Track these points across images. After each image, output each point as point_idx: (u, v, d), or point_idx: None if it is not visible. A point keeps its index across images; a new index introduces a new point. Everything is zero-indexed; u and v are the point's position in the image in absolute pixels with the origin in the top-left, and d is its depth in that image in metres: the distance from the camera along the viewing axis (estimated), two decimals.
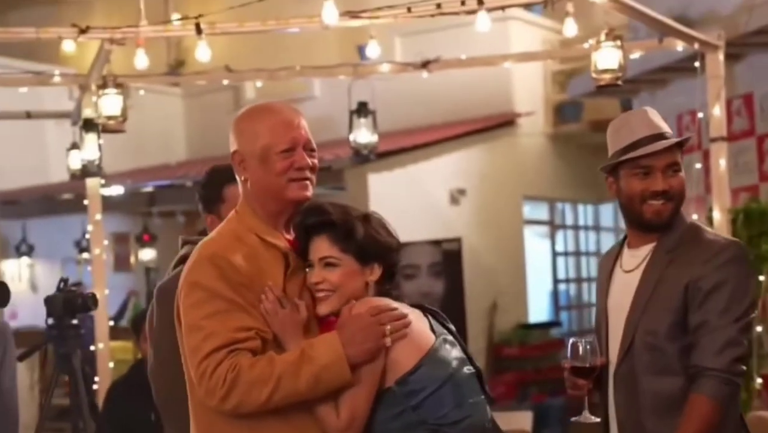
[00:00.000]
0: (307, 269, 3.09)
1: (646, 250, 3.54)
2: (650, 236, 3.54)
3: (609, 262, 3.72)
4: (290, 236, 3.17)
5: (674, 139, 3.51)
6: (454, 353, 3.07)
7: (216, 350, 2.90)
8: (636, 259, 3.57)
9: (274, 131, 3.13)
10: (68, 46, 14.04)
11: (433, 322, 3.12)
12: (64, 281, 5.45)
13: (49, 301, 5.27)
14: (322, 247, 3.05)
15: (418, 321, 3.04)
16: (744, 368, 3.36)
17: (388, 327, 2.91)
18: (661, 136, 3.51)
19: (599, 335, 3.58)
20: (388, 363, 2.95)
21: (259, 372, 2.88)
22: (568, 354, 3.49)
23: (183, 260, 4.03)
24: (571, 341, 3.50)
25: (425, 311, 3.17)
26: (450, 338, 3.11)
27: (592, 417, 3.51)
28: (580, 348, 3.45)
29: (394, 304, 3.01)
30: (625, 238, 3.70)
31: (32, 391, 8.82)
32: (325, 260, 3.04)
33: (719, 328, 3.32)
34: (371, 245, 3.06)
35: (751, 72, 9.91)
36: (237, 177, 3.21)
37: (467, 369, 3.10)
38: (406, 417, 2.96)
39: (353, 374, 2.90)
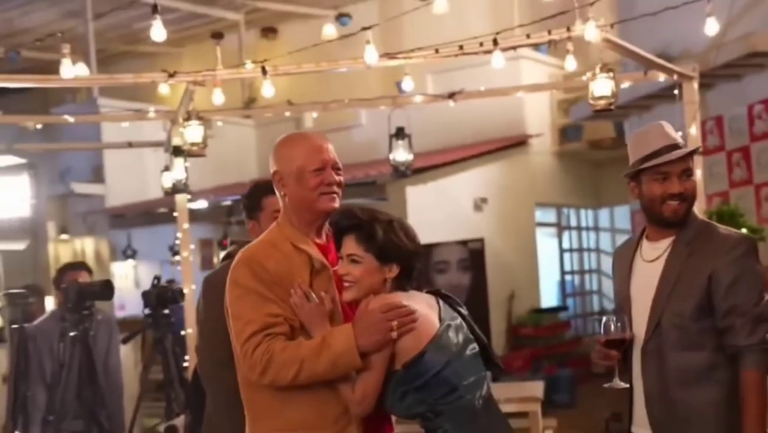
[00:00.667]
0: (339, 263, 3.09)
1: (665, 243, 3.47)
2: (668, 231, 3.46)
3: (628, 253, 3.62)
4: (320, 241, 3.19)
5: (688, 149, 3.47)
6: (457, 338, 3.03)
7: (254, 334, 2.96)
8: (657, 251, 3.48)
9: (307, 155, 3.16)
10: (163, 89, 14.26)
11: (443, 307, 3.09)
12: (157, 278, 5.47)
13: (145, 295, 5.30)
14: (349, 245, 3.05)
15: (427, 312, 3.01)
16: None
17: (395, 323, 2.88)
18: (676, 146, 3.44)
19: (622, 315, 3.47)
20: (396, 350, 2.93)
21: (288, 355, 2.93)
22: (602, 330, 3.42)
23: (227, 256, 4.05)
24: (603, 319, 3.42)
25: (439, 296, 3.15)
26: (455, 323, 3.08)
27: (622, 383, 3.45)
28: (612, 325, 3.39)
29: (405, 300, 2.97)
30: (642, 232, 3.61)
31: (136, 368, 8.84)
32: (351, 256, 3.03)
33: (747, 311, 3.30)
34: (390, 247, 3.03)
35: (720, 98, 9.84)
36: (277, 193, 3.24)
37: (471, 350, 3.07)
38: (410, 396, 2.95)
39: (365, 359, 2.91)
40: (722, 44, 8.93)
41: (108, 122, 13.08)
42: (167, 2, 13.21)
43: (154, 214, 13.66)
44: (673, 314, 3.36)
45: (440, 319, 3.02)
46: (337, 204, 3.17)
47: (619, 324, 3.39)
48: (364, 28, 5.92)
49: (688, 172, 3.45)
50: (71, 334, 4.80)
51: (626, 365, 3.50)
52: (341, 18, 15.93)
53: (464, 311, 3.18)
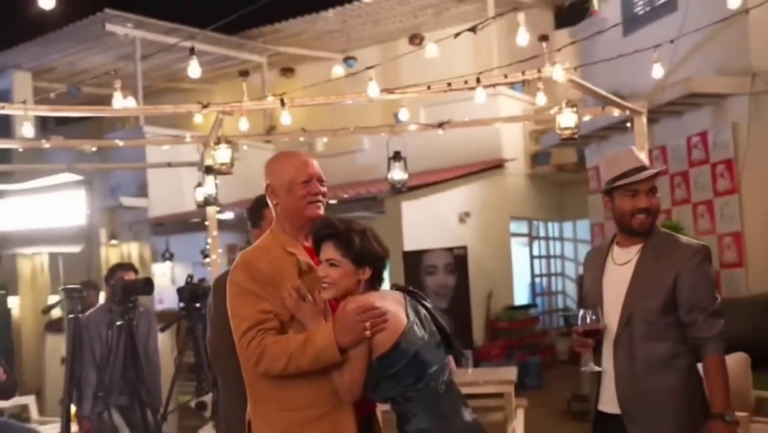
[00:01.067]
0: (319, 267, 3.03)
1: (635, 249, 3.45)
2: (637, 239, 3.45)
3: (600, 256, 3.60)
4: (308, 244, 3.13)
5: (654, 170, 3.46)
6: (423, 331, 2.98)
7: (249, 330, 2.92)
8: (627, 256, 3.47)
9: (296, 169, 3.14)
10: (198, 118, 14.25)
11: (410, 302, 3.04)
12: (190, 277, 5.45)
13: (179, 291, 5.27)
14: (328, 250, 2.98)
15: (396, 309, 2.95)
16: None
17: (368, 323, 2.83)
18: (643, 168, 3.44)
19: (596, 308, 3.43)
20: (372, 344, 2.88)
21: (278, 349, 2.88)
22: (579, 321, 3.40)
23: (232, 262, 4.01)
24: (581, 312, 3.40)
25: (406, 292, 3.10)
26: (421, 316, 3.03)
27: (596, 367, 3.44)
28: (588, 317, 3.37)
29: (377, 300, 2.92)
30: (613, 239, 3.58)
31: (171, 353, 8.80)
32: (329, 261, 2.96)
33: (706, 308, 3.32)
34: (365, 253, 2.97)
35: (664, 131, 9.87)
36: (269, 203, 3.20)
37: (434, 341, 3.02)
38: (384, 384, 2.91)
39: (350, 352, 2.86)
40: (666, 86, 8.96)
41: (151, 146, 13.09)
42: (203, 47, 13.21)
43: (188, 223, 13.64)
44: (643, 310, 3.35)
45: (407, 314, 2.97)
46: (321, 211, 3.15)
47: (593, 316, 3.37)
48: (368, 68, 5.93)
49: (654, 190, 3.46)
50: (118, 323, 4.79)
51: (598, 352, 3.47)
52: (348, 60, 15.95)
53: (429, 304, 3.12)
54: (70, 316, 4.99)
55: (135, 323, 4.86)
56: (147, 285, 4.81)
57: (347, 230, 2.99)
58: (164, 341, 8.05)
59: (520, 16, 5.65)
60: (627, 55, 7.17)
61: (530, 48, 7.17)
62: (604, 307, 3.45)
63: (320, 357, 2.86)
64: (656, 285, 3.36)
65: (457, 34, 5.06)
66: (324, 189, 3.18)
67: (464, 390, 3.14)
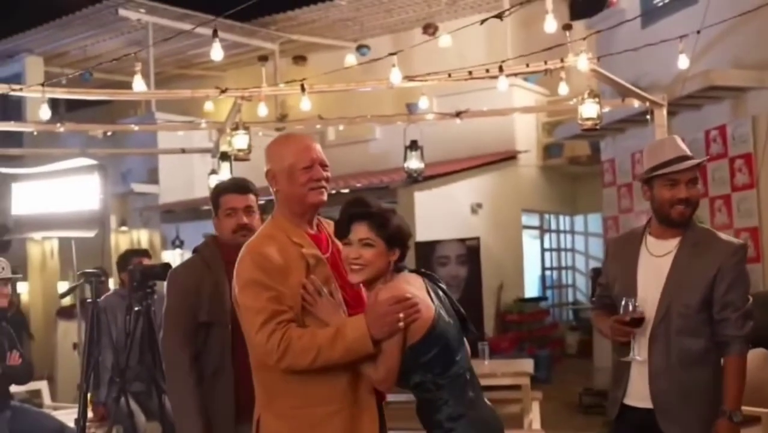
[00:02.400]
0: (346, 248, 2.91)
1: (673, 242, 3.40)
2: (674, 231, 3.40)
3: (632, 246, 3.51)
4: (312, 231, 3.02)
5: (696, 161, 3.40)
6: (448, 317, 2.92)
7: (265, 323, 2.78)
8: (664, 248, 3.41)
9: (297, 154, 2.97)
10: (208, 105, 14.21)
11: (429, 285, 2.95)
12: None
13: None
14: (361, 230, 2.86)
15: (424, 296, 2.87)
16: None
17: (402, 315, 2.75)
18: (686, 157, 3.39)
19: (632, 298, 3.35)
20: (406, 334, 2.79)
21: (305, 343, 2.75)
22: (621, 310, 3.32)
23: (196, 250, 3.92)
24: (623, 301, 3.31)
25: (422, 274, 3.02)
26: (442, 301, 2.95)
27: (639, 357, 3.36)
28: (631, 306, 3.30)
29: (405, 286, 2.84)
30: (644, 229, 3.52)
31: None
32: (364, 240, 2.85)
33: (740, 307, 3.30)
34: (398, 234, 2.89)
35: (682, 124, 9.74)
36: (270, 189, 3.05)
37: (456, 326, 2.96)
38: (416, 373, 2.84)
39: (384, 343, 2.77)
40: (685, 78, 8.87)
41: (162, 132, 13.06)
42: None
43: (199, 210, 13.59)
44: (681, 304, 3.31)
45: (431, 299, 2.90)
46: (324, 197, 3.00)
47: (637, 305, 3.30)
48: (390, 54, 5.84)
49: (695, 181, 3.40)
50: (136, 308, 4.73)
51: (623, 344, 3.40)
52: (361, 49, 15.89)
53: (444, 286, 3.05)
54: (88, 300, 4.95)
55: (153, 308, 4.81)
56: (165, 270, 4.73)
57: (381, 210, 2.91)
58: None
59: (548, 3, 5.53)
60: (646, 47, 7.11)
61: (545, 38, 7.07)
62: (639, 297, 3.38)
63: (352, 349, 2.76)
64: (696, 280, 3.31)
65: (483, 21, 4.97)
66: (327, 174, 3.02)
67: (482, 381, 3.10)
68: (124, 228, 14.85)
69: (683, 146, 3.44)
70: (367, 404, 2.89)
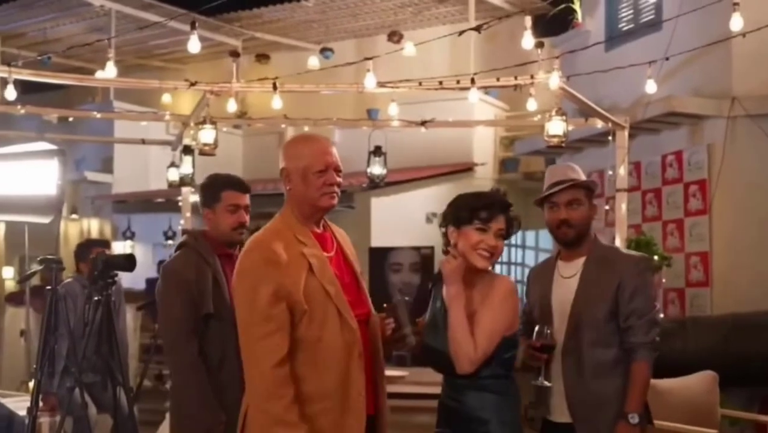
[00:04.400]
0: (476, 230, 3.11)
1: (579, 262, 3.53)
2: (578, 252, 3.54)
3: (546, 272, 3.68)
4: (318, 230, 3.06)
5: (567, 184, 3.51)
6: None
7: (260, 323, 2.83)
8: (573, 269, 3.54)
9: (313, 156, 3.02)
10: (166, 97, 14.06)
11: None
12: (161, 262, 5.34)
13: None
14: (501, 221, 3.10)
15: None
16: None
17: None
18: (566, 182, 3.51)
19: (547, 324, 3.47)
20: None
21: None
22: (534, 336, 3.41)
23: (181, 246, 3.92)
24: (537, 327, 3.41)
25: None
26: None
27: (546, 382, 3.46)
28: (545, 332, 3.40)
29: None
30: (557, 255, 3.66)
31: (135, 332, 8.69)
32: (500, 232, 3.09)
33: (644, 315, 3.40)
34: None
35: (640, 147, 9.90)
36: (283, 186, 3.08)
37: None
38: (500, 362, 3.05)
39: (491, 328, 3.01)
40: (648, 103, 9.03)
41: (119, 121, 12.89)
42: (178, 26, 13.00)
43: (152, 203, 13.51)
44: (589, 317, 3.44)
45: None
46: (336, 202, 3.07)
47: (549, 331, 3.41)
48: (366, 59, 5.84)
49: (577, 203, 3.52)
50: (95, 298, 4.66)
51: (547, 367, 3.51)
52: (324, 51, 15.85)
53: None
54: (47, 288, 4.86)
55: (113, 299, 4.75)
56: (128, 261, 4.69)
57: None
58: (129, 320, 7.93)
59: (527, 21, 5.60)
60: (608, 71, 7.23)
61: (510, 53, 7.15)
62: (554, 319, 3.52)
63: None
64: (601, 293, 3.45)
65: (461, 32, 5.02)
66: (340, 179, 3.08)
67: (418, 388, 3.26)
68: (74, 216, 14.61)
69: (570, 173, 3.61)
70: (355, 406, 2.91)
